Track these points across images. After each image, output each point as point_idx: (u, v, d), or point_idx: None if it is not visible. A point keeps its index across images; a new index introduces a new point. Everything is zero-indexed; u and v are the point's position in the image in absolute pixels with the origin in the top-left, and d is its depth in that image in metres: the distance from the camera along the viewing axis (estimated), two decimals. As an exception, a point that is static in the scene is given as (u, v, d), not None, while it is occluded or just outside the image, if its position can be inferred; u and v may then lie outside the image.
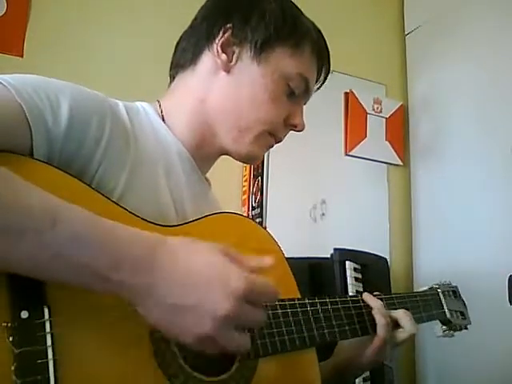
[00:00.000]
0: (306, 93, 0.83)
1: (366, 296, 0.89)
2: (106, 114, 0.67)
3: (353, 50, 2.13)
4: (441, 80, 2.06)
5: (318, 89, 0.88)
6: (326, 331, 0.77)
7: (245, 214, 1.85)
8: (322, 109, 1.95)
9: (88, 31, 1.67)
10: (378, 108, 2.17)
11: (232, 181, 1.89)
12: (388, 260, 1.93)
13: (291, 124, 0.82)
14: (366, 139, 2.11)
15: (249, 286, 0.54)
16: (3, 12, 1.54)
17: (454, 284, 1.10)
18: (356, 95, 2.12)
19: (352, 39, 2.15)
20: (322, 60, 0.85)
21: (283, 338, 0.70)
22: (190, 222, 0.71)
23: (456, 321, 1.03)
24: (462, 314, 1.06)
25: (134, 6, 1.77)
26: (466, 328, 1.06)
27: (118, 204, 0.63)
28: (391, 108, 2.21)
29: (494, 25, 1.83)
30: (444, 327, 1.02)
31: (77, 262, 0.50)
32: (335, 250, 1.66)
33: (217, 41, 0.78)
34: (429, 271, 1.97)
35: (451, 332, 1.02)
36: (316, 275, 1.61)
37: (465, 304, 1.09)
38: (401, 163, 2.18)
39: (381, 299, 0.89)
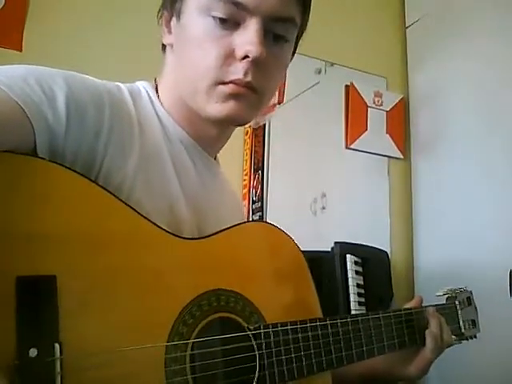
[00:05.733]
0: (243, 9, 0.66)
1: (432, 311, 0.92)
2: (103, 102, 0.63)
3: (353, 42, 2.13)
4: (442, 73, 2.05)
5: None
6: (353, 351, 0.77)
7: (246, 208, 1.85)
8: (323, 102, 1.95)
9: (87, 25, 1.66)
10: (378, 101, 2.16)
11: (232, 175, 1.88)
12: (388, 253, 1.93)
13: (240, 56, 0.66)
14: (367, 132, 2.10)
15: None
16: (2, 5, 1.53)
17: (469, 289, 1.09)
18: (356, 88, 2.11)
19: (353, 32, 2.14)
20: None
21: (310, 362, 0.70)
22: (217, 233, 0.69)
23: (467, 332, 1.03)
24: (473, 322, 1.06)
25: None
26: (476, 337, 1.05)
27: (139, 213, 0.60)
28: (392, 101, 2.20)
29: (496, 17, 1.82)
30: (454, 337, 1.01)
31: None
32: (336, 243, 1.66)
33: (161, 22, 0.76)
34: (429, 265, 1.97)
35: (459, 341, 1.02)
36: (316, 269, 1.59)
37: (476, 310, 1.08)
38: (401, 156, 2.18)
39: (400, 315, 0.88)
